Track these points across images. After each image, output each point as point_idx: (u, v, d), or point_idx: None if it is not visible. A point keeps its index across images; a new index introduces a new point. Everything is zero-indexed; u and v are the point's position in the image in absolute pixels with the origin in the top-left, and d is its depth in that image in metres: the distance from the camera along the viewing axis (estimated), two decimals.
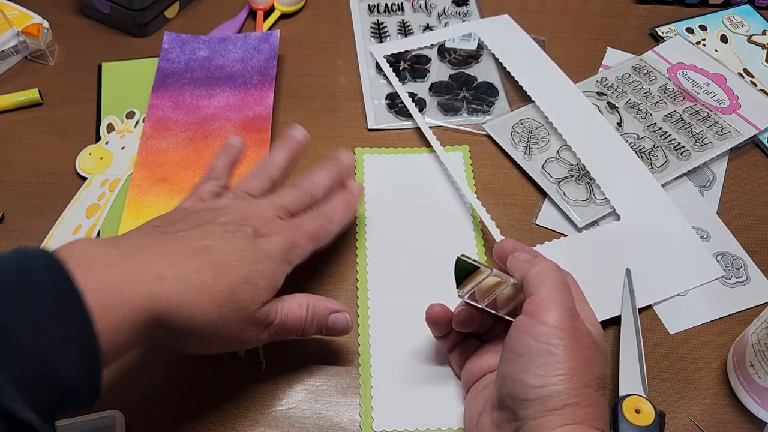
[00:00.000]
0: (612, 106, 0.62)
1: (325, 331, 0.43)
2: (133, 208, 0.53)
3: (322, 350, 0.47)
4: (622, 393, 0.43)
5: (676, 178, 0.56)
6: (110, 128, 0.58)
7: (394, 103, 0.62)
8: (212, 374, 0.46)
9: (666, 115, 0.61)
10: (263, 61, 0.63)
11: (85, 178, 0.56)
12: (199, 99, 0.60)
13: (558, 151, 0.58)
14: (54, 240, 0.52)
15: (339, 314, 0.43)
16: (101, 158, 0.55)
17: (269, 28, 0.70)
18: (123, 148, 0.57)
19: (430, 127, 0.60)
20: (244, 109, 0.59)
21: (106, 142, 0.57)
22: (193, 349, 0.41)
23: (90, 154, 0.57)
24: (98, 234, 0.52)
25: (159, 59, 0.63)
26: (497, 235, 0.50)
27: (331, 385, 0.46)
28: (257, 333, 0.40)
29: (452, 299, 0.48)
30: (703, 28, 0.70)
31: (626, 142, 0.58)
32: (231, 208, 0.42)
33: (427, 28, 0.70)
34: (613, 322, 0.48)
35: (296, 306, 0.42)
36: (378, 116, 0.62)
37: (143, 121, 0.59)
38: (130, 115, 0.60)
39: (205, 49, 0.64)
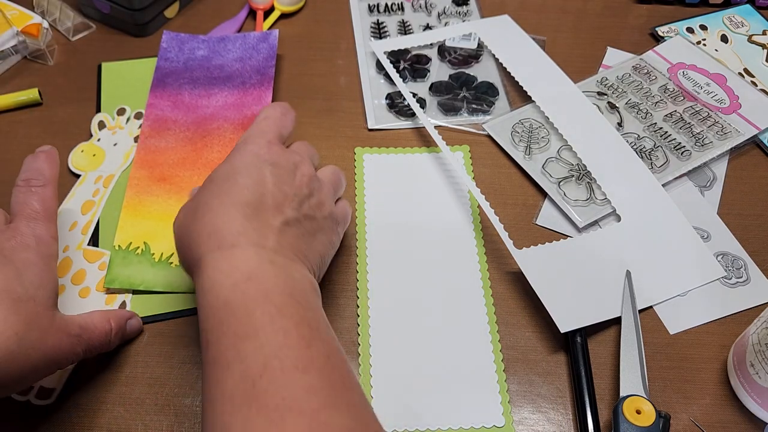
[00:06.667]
0: (612, 106, 0.62)
1: (125, 338, 0.46)
2: (131, 208, 0.53)
3: None
4: (622, 394, 0.43)
5: (676, 178, 0.56)
6: (101, 125, 0.58)
7: (394, 103, 0.62)
8: None
9: (666, 115, 0.61)
10: (262, 61, 0.63)
11: (78, 176, 0.56)
12: (198, 98, 0.60)
13: (558, 151, 0.58)
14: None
15: (132, 320, 0.46)
16: (93, 155, 0.55)
17: (269, 28, 0.70)
18: (115, 144, 0.57)
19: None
20: (243, 108, 0.59)
21: (98, 139, 0.57)
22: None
23: (82, 151, 0.57)
24: (96, 228, 0.52)
25: (157, 58, 0.63)
26: (503, 234, 0.50)
27: None
28: (70, 345, 0.40)
29: (453, 299, 0.48)
30: (703, 27, 0.70)
31: (626, 141, 0.58)
32: None
33: (427, 27, 0.70)
34: (614, 323, 0.48)
35: (98, 320, 0.43)
36: (378, 116, 0.62)
37: (134, 117, 0.59)
38: (121, 111, 0.60)
39: (204, 49, 0.64)
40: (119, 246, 0.51)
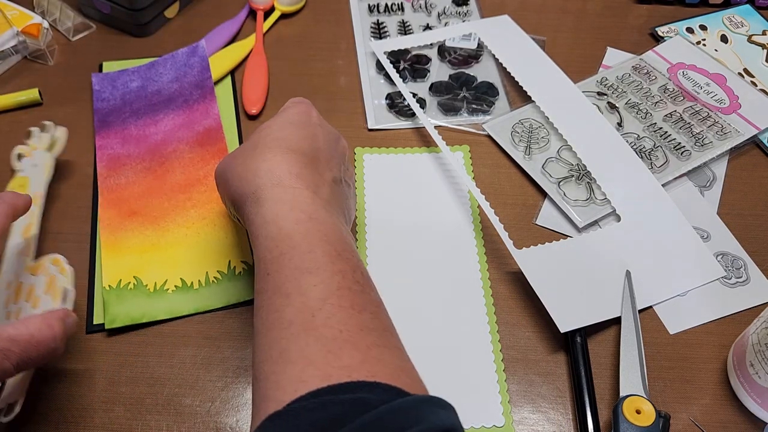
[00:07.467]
0: (612, 106, 0.62)
1: (66, 338, 0.40)
2: (109, 247, 0.51)
3: None
4: (622, 393, 0.43)
5: (676, 178, 0.56)
6: (20, 157, 0.56)
7: (394, 103, 0.62)
8: (211, 374, 0.46)
9: (666, 115, 0.61)
10: (197, 75, 0.62)
11: None
12: (145, 128, 0.59)
13: (558, 151, 0.58)
14: (6, 264, 0.49)
15: (69, 318, 0.40)
16: (21, 186, 0.54)
17: (269, 28, 0.70)
18: (35, 165, 0.55)
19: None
20: (193, 125, 0.59)
21: (21, 171, 0.55)
22: None
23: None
24: (37, 243, 0.50)
25: (93, 101, 0.62)
26: (503, 234, 0.50)
27: None
28: None
29: (453, 299, 0.48)
30: (703, 28, 0.70)
31: (626, 141, 0.58)
32: None
33: (427, 28, 0.70)
34: (614, 323, 0.48)
35: (37, 328, 0.37)
36: (378, 116, 0.62)
37: (40, 131, 0.57)
38: (27, 134, 0.58)
39: (136, 80, 0.63)
40: (110, 286, 0.49)
